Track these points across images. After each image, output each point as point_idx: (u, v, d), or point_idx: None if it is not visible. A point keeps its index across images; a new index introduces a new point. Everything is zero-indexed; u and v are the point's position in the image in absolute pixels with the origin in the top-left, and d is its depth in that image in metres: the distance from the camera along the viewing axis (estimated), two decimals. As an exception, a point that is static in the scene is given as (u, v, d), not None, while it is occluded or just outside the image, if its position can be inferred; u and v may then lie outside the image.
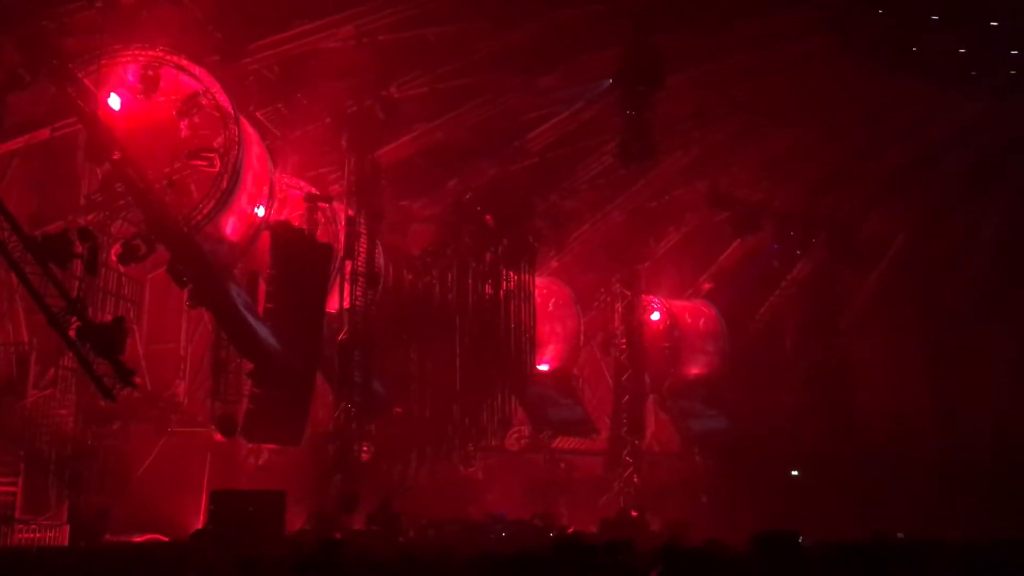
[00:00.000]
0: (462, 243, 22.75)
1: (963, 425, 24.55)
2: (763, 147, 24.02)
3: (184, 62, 17.22)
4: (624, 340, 26.10)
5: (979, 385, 24.56)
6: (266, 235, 18.89)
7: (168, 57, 17.10)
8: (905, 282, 26.64)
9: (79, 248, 13.88)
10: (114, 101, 16.94)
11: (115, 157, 16.19)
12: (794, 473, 25.80)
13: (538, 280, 24.50)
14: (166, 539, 16.56)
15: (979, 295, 25.43)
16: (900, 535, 16.25)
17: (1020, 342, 24.88)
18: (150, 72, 16.99)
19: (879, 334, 26.18)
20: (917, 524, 15.81)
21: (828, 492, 23.35)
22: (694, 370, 27.23)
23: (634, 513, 22.85)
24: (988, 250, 25.69)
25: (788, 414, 25.65)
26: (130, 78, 17.18)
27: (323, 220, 20.31)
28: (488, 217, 22.63)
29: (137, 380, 15.94)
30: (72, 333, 14.02)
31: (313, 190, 20.33)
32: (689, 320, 27.41)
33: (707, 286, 27.81)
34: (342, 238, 19.96)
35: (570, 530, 21.36)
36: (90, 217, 16.84)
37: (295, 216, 20.04)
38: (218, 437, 18.52)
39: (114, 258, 16.66)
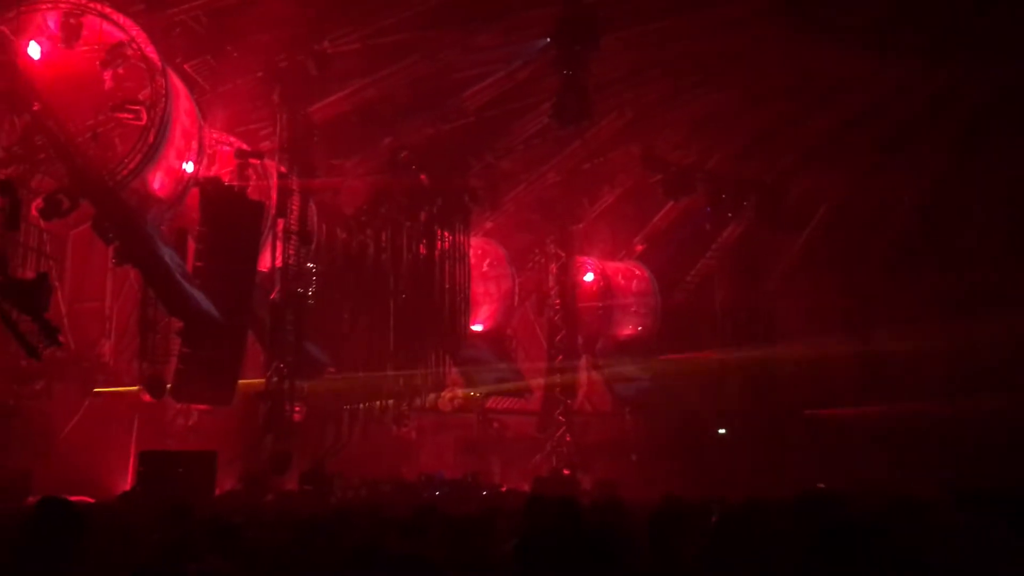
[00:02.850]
0: (396, 202, 22.53)
1: (881, 382, 25.38)
2: (694, 110, 24.12)
3: (108, 10, 16.54)
4: (558, 301, 26.29)
5: (895, 343, 25.31)
6: (195, 192, 18.42)
7: (91, 4, 16.39)
8: (829, 245, 27.22)
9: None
10: (34, 50, 16.21)
11: (35, 108, 15.59)
12: (721, 431, 26.43)
13: (473, 240, 24.43)
14: (92, 501, 16.22)
15: (898, 258, 26.13)
16: (821, 486, 16.86)
17: (935, 304, 25.69)
18: (72, 20, 16.29)
19: (803, 295, 26.76)
20: (841, 479, 16.30)
21: (753, 450, 24.01)
22: (626, 331, 27.56)
23: (566, 472, 23.19)
24: (908, 215, 26.35)
25: (716, 374, 26.22)
26: (51, 26, 16.47)
27: (254, 177, 19.88)
28: (423, 176, 22.42)
29: (61, 339, 15.55)
30: (-7, 290, 13.57)
31: (244, 146, 19.85)
32: (622, 281, 27.67)
33: (640, 247, 28.04)
34: (274, 195, 19.58)
35: (503, 488, 21.59)
36: (10, 170, 16.21)
37: (225, 172, 19.54)
38: (146, 398, 18.18)
39: (35, 213, 16.13)
